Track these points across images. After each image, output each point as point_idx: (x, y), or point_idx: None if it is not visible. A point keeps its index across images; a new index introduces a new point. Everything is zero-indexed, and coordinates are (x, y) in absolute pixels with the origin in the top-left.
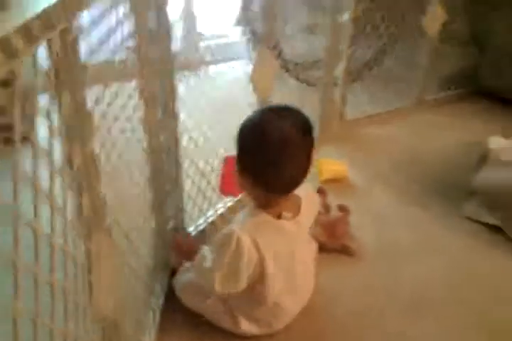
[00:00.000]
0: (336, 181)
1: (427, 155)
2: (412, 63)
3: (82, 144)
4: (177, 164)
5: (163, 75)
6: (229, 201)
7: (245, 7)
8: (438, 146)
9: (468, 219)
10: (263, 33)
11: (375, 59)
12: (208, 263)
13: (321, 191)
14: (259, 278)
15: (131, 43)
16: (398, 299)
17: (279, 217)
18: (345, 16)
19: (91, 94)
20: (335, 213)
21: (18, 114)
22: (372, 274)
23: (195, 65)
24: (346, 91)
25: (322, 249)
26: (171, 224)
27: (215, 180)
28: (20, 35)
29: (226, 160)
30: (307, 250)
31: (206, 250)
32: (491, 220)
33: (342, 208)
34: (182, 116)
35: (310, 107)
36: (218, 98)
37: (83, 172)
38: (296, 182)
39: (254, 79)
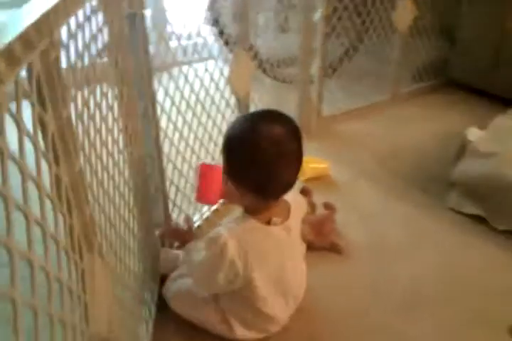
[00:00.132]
0: (319, 179)
1: (406, 149)
2: (384, 58)
3: (68, 163)
4: (161, 171)
5: (141, 83)
6: (214, 205)
7: (211, 7)
8: (416, 139)
9: (451, 211)
10: (237, 34)
11: (346, 54)
12: (195, 256)
13: (305, 190)
14: (246, 284)
15: (107, 52)
16: (391, 297)
17: (268, 222)
18: (317, 15)
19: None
20: (321, 211)
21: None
22: (362, 272)
23: (168, 66)
24: (322, 89)
25: (310, 247)
26: (157, 232)
27: None
28: (3, 58)
29: (201, 169)
30: (298, 253)
31: (199, 243)
32: (474, 211)
33: (328, 206)
34: (162, 122)
35: (287, 106)
36: (195, 99)
37: (71, 191)
38: (290, 186)
39: (232, 80)
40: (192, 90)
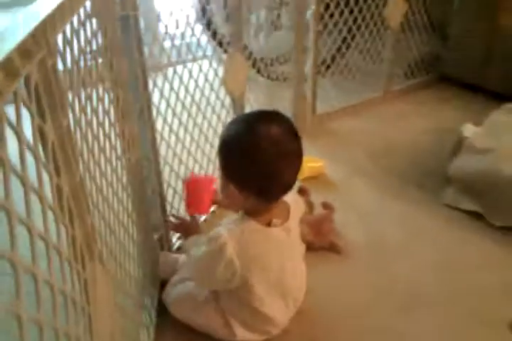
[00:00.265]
0: (315, 178)
1: (401, 145)
2: (376, 55)
3: (69, 173)
4: (157, 174)
5: (136, 85)
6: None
7: (201, 6)
8: (410, 135)
9: (447, 207)
10: (231, 34)
11: (338, 52)
12: (195, 251)
13: (303, 190)
14: (243, 284)
15: (101, 56)
16: (391, 297)
17: (268, 224)
18: (310, 12)
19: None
20: (319, 211)
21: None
22: (362, 272)
23: (162, 66)
24: (316, 86)
25: (309, 247)
26: (155, 236)
27: None
28: (2, 69)
29: (187, 181)
30: (297, 254)
31: (201, 238)
32: (471, 207)
33: (326, 206)
34: (158, 124)
35: (281, 104)
36: (190, 100)
37: (73, 201)
38: (291, 186)
39: (226, 81)
40: (187, 91)
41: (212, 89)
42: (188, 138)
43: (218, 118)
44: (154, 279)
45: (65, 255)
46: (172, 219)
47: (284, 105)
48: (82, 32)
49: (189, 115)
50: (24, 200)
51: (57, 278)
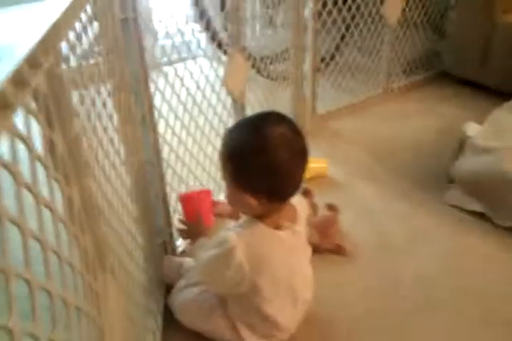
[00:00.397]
0: (317, 179)
1: (402, 144)
2: (374, 52)
3: (79, 183)
4: (160, 177)
5: (138, 88)
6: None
7: (196, 3)
8: (411, 134)
9: (451, 207)
10: (231, 35)
11: (337, 50)
12: (203, 254)
13: (307, 192)
14: (253, 290)
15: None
16: (399, 300)
17: (276, 227)
18: (308, 10)
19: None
20: (323, 213)
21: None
22: (370, 274)
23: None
24: (315, 86)
25: (315, 250)
26: (159, 240)
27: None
28: (12, 82)
29: (182, 199)
30: (305, 257)
31: (209, 241)
32: (476, 208)
33: (331, 207)
34: (160, 126)
35: (280, 104)
36: (190, 100)
37: (84, 212)
38: (299, 186)
39: (227, 82)
40: (188, 93)
41: (213, 90)
42: (190, 140)
43: (220, 119)
44: (159, 284)
45: (78, 268)
46: (179, 224)
47: (283, 105)
48: (84, 36)
49: (191, 117)
50: (36, 216)
51: (69, 291)
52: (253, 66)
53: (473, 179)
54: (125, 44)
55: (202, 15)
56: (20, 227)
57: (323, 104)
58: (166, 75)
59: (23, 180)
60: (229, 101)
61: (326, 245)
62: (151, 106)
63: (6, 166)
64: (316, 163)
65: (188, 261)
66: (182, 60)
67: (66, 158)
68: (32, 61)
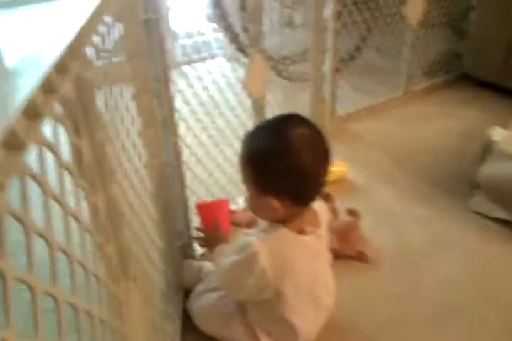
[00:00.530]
0: (337, 182)
1: (423, 148)
2: (395, 54)
3: (104, 191)
4: (181, 180)
5: (160, 89)
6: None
7: (216, 3)
8: (432, 137)
9: (475, 214)
10: (251, 36)
11: (357, 51)
12: (225, 261)
13: (327, 196)
14: (275, 296)
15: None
16: (422, 306)
17: (300, 232)
18: (328, 11)
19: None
20: (344, 218)
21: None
22: (391, 280)
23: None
24: (335, 87)
25: (335, 256)
26: (179, 242)
27: (219, 193)
28: (43, 91)
29: (199, 209)
30: (326, 263)
31: (230, 247)
32: (501, 215)
33: (352, 212)
34: (181, 129)
35: (299, 106)
36: (210, 102)
37: (109, 219)
38: (323, 187)
39: (248, 84)
40: (208, 95)
41: (233, 91)
42: (210, 143)
43: (239, 121)
44: (178, 288)
45: (103, 280)
46: (196, 233)
47: (302, 107)
48: (107, 40)
49: (211, 119)
50: (64, 229)
51: (93, 303)
52: (273, 68)
53: (499, 185)
54: (147, 45)
55: (222, 17)
56: (48, 241)
57: (343, 106)
58: (186, 76)
59: (52, 192)
60: (249, 103)
61: (347, 251)
62: (171, 108)
63: (34, 177)
64: (336, 166)
65: (207, 265)
66: (201, 59)
67: (92, 165)
68: (60, 67)
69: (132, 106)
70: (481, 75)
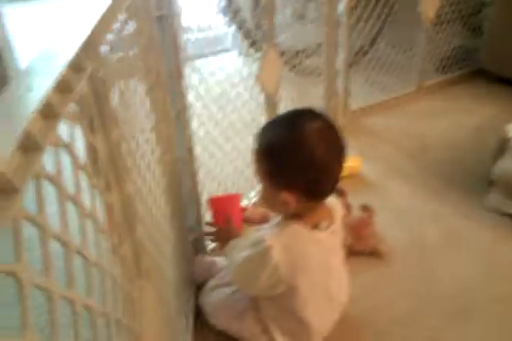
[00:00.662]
0: (349, 178)
1: (436, 143)
2: (409, 49)
3: (119, 190)
4: (193, 175)
5: (173, 84)
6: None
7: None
8: (446, 133)
9: (489, 210)
10: (265, 31)
11: (371, 45)
12: (238, 256)
13: (340, 191)
14: (289, 291)
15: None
16: (435, 302)
17: (314, 227)
18: (342, 6)
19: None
20: (357, 214)
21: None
22: (405, 276)
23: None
24: (348, 82)
25: (348, 252)
26: (191, 237)
27: (230, 188)
28: (58, 91)
29: (211, 203)
30: (340, 259)
31: (243, 242)
32: None
33: (365, 208)
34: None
35: (312, 101)
36: (221, 96)
37: (124, 218)
38: (338, 182)
39: (262, 79)
40: (221, 90)
41: (246, 86)
42: (223, 138)
43: (252, 116)
44: (189, 283)
45: (119, 281)
46: (208, 228)
47: (315, 101)
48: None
49: (224, 114)
50: (80, 230)
51: (109, 304)
52: (285, 62)
53: None
54: (161, 41)
55: (235, 11)
56: (66, 245)
57: (356, 100)
58: (198, 71)
59: (68, 194)
60: (261, 98)
61: (361, 247)
62: (184, 103)
63: (51, 180)
64: (349, 161)
65: (218, 260)
66: (214, 53)
67: (108, 164)
68: (75, 65)
69: (146, 101)
70: (496, 70)
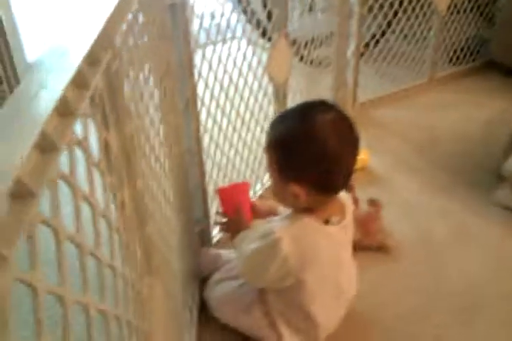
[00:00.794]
0: (357, 171)
1: (445, 136)
2: (421, 40)
3: (131, 186)
4: (200, 166)
5: (183, 74)
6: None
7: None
8: (456, 126)
9: (498, 206)
10: (276, 21)
11: (382, 36)
12: (246, 247)
13: (348, 185)
14: (297, 285)
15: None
16: (443, 298)
17: (325, 221)
18: None
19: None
20: (365, 208)
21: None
22: (413, 272)
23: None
24: (357, 73)
25: (355, 247)
26: (197, 228)
27: (237, 179)
28: (74, 84)
29: (220, 193)
30: (350, 254)
31: (252, 233)
32: None
33: (373, 203)
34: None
35: (322, 92)
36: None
37: (135, 215)
38: (351, 175)
39: (271, 69)
40: (231, 80)
41: (255, 76)
42: (231, 129)
43: (260, 108)
44: (194, 276)
45: (130, 280)
46: (218, 218)
47: (324, 92)
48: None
49: (232, 105)
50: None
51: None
52: (295, 52)
53: None
54: (173, 30)
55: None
56: (80, 247)
57: (365, 92)
58: (207, 60)
59: (82, 194)
60: (270, 88)
61: (368, 242)
62: (194, 93)
63: (65, 178)
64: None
65: (224, 252)
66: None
67: (120, 160)
68: (91, 59)
69: (156, 93)
70: (508, 62)
